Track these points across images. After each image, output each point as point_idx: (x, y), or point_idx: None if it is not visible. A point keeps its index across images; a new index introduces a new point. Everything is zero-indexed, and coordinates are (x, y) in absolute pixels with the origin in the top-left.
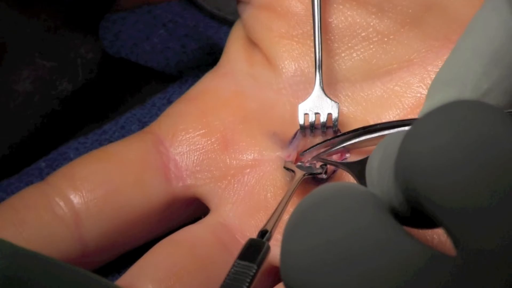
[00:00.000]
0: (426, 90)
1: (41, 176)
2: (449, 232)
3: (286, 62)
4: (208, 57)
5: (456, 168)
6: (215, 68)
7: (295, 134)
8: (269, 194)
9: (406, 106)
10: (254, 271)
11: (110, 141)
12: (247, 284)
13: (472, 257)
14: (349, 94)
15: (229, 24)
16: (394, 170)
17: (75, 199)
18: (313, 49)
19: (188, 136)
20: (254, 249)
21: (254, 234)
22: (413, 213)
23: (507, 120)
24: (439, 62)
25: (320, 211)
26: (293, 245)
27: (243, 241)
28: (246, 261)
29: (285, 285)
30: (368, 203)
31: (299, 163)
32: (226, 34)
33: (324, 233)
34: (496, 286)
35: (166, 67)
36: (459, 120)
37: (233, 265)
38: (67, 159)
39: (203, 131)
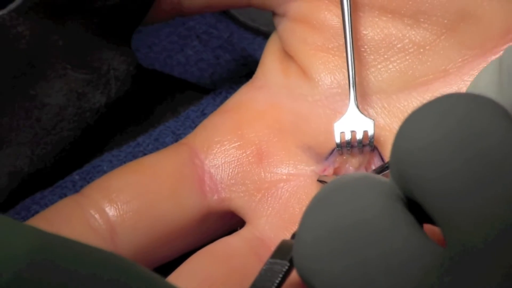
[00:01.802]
0: None
1: (75, 188)
2: (439, 226)
3: (322, 75)
4: (242, 69)
5: (444, 162)
6: (251, 81)
7: (332, 151)
8: (303, 208)
9: None
10: (286, 267)
11: (144, 153)
12: (279, 280)
13: (458, 252)
14: (385, 105)
15: (263, 35)
16: (390, 165)
17: (110, 211)
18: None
19: (223, 148)
20: (286, 249)
21: None
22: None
23: (499, 113)
24: (475, 71)
25: (331, 201)
26: (304, 234)
27: None
28: (277, 259)
29: (297, 272)
30: (381, 193)
31: (334, 176)
32: (260, 45)
33: (332, 222)
34: (479, 282)
35: (200, 78)
36: (450, 113)
37: (265, 264)
38: (101, 172)
39: (238, 143)
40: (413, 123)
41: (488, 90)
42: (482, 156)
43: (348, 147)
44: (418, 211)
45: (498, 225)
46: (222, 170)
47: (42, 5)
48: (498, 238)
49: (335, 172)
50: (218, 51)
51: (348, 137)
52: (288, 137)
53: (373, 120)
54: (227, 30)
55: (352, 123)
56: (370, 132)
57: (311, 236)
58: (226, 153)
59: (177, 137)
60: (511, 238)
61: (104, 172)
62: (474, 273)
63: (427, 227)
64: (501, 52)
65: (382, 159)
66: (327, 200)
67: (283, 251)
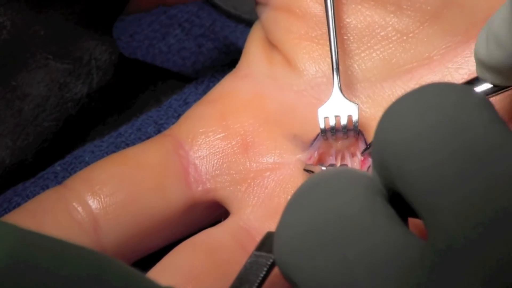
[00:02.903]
0: None
1: (57, 180)
2: (422, 219)
3: (306, 64)
4: (225, 57)
5: (428, 154)
6: (235, 70)
7: (316, 137)
8: (289, 197)
9: None
10: (271, 260)
11: (126, 143)
12: (264, 273)
13: (441, 247)
14: (370, 95)
15: (246, 23)
16: (372, 156)
17: (94, 203)
18: None
19: (208, 139)
20: (272, 241)
21: None
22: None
23: (483, 104)
24: (459, 58)
25: (311, 196)
26: (284, 230)
27: None
28: (263, 251)
29: (279, 269)
30: (362, 187)
31: (320, 165)
32: (243, 33)
33: (312, 218)
34: (463, 278)
35: (182, 67)
36: (433, 104)
37: (250, 256)
38: (83, 163)
39: (223, 134)
40: (395, 114)
41: (501, 27)
42: (466, 149)
43: (332, 132)
44: (401, 204)
45: (482, 219)
46: (207, 161)
47: None
48: (481, 233)
49: (320, 158)
50: (200, 39)
51: (332, 122)
52: (273, 126)
53: (357, 104)
54: (209, 18)
55: (336, 108)
56: (355, 117)
57: (291, 232)
58: (211, 144)
59: (159, 127)
60: (495, 232)
61: (86, 163)
62: (457, 268)
63: (412, 221)
64: None
65: (366, 144)
66: (307, 195)
67: (268, 243)
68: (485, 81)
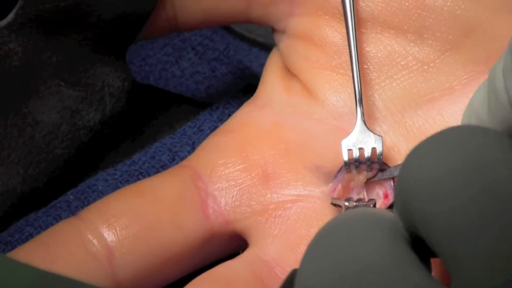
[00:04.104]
0: None
1: (70, 209)
2: (444, 263)
3: (327, 93)
4: (239, 81)
5: (450, 197)
6: (253, 99)
7: (340, 169)
8: (312, 229)
9: None
10: None
11: (140, 172)
12: None
13: None
14: (391, 124)
15: (260, 46)
16: (394, 198)
17: (109, 236)
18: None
19: (227, 171)
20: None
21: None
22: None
23: (506, 146)
24: None
25: (332, 242)
26: (306, 269)
27: (283, 276)
28: None
29: None
30: (383, 231)
31: (347, 198)
32: (257, 57)
33: (334, 265)
34: None
35: (195, 91)
36: (456, 147)
37: None
38: (96, 192)
39: (243, 165)
40: (418, 156)
41: (481, 109)
42: (489, 191)
43: (356, 164)
44: (424, 246)
45: (508, 267)
46: (226, 192)
47: (35, 21)
48: (507, 282)
49: (344, 191)
50: (214, 63)
51: (356, 154)
52: (294, 157)
53: (381, 136)
54: (223, 42)
55: (360, 140)
56: (379, 149)
57: (312, 279)
58: (230, 175)
59: (173, 155)
60: None
61: (100, 191)
62: None
63: (435, 261)
64: None
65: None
66: (329, 241)
67: (292, 281)
68: None
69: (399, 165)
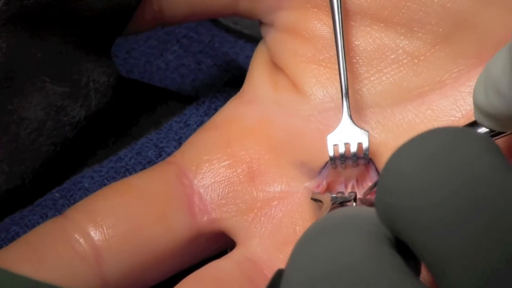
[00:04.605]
0: (460, 113)
1: (56, 207)
2: (427, 266)
3: (314, 88)
4: (225, 74)
5: (431, 206)
6: (239, 95)
7: (325, 165)
8: (297, 228)
9: None
10: None
11: (126, 168)
12: None
13: None
14: (380, 120)
15: (246, 38)
16: (375, 204)
17: (96, 235)
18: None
19: (212, 167)
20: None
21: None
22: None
23: (484, 146)
24: (472, 82)
25: (316, 245)
26: (292, 274)
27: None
28: None
29: None
30: (367, 236)
31: (327, 193)
32: (242, 49)
33: (317, 268)
34: None
35: (181, 85)
36: (435, 151)
37: None
38: (82, 189)
39: (228, 162)
40: (397, 162)
41: (501, 76)
42: (467, 189)
43: (342, 160)
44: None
45: (490, 263)
46: (212, 190)
47: (20, 17)
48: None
49: (329, 186)
50: (199, 56)
51: (341, 149)
52: (280, 153)
53: (368, 131)
54: (208, 34)
55: (346, 135)
56: (365, 144)
57: (299, 278)
58: (215, 172)
59: (160, 150)
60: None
61: (86, 189)
62: None
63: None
64: None
65: (377, 172)
66: (312, 244)
67: (278, 281)
68: (483, 126)
69: None
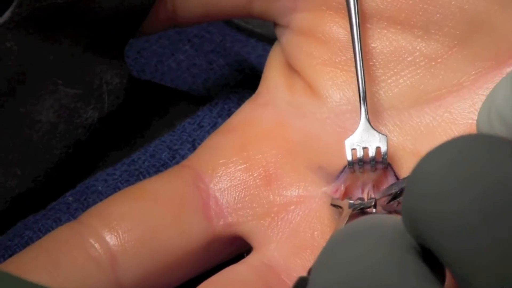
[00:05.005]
0: None
1: (69, 211)
2: (454, 276)
3: (330, 91)
4: (237, 74)
5: (457, 211)
6: (254, 97)
7: (343, 169)
8: (316, 233)
9: (457, 134)
10: None
11: (139, 171)
12: None
13: None
14: (397, 123)
15: (257, 37)
16: (401, 212)
17: (111, 240)
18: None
19: (228, 171)
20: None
21: (300, 274)
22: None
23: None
24: (490, 84)
25: (340, 255)
26: (317, 279)
27: (289, 282)
28: None
29: None
30: (391, 246)
31: (347, 199)
32: (254, 48)
33: (341, 280)
34: None
35: (192, 85)
36: (463, 158)
37: None
38: (95, 192)
39: (244, 165)
40: (424, 168)
41: (505, 105)
42: (493, 194)
43: (360, 164)
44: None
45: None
46: (228, 194)
47: (31, 19)
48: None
49: (347, 191)
50: (211, 55)
51: (360, 154)
52: (297, 157)
53: (386, 135)
54: (219, 33)
55: (364, 139)
56: (383, 149)
57: (324, 282)
58: (232, 176)
59: (173, 153)
60: None
61: (99, 192)
62: None
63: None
64: None
65: (396, 177)
66: (335, 254)
67: None
68: None
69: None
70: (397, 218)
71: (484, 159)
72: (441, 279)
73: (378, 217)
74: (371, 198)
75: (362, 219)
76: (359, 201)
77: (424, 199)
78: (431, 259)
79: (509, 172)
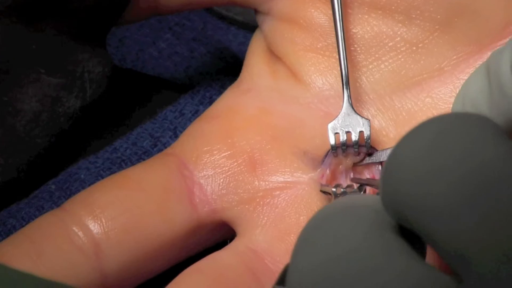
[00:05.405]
0: None
1: (52, 199)
2: (443, 255)
3: (313, 76)
4: (218, 62)
5: (440, 191)
6: (237, 84)
7: (326, 154)
8: (301, 217)
9: None
10: None
11: (122, 159)
12: None
13: (472, 281)
14: (379, 107)
15: (238, 24)
16: (380, 195)
17: (95, 228)
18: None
19: (212, 158)
20: None
21: (285, 259)
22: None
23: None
24: (471, 69)
25: (318, 237)
26: (294, 278)
27: (273, 267)
28: (281, 285)
29: None
30: (368, 222)
31: (336, 185)
32: (235, 36)
33: (322, 260)
34: None
35: (174, 73)
36: (440, 138)
37: None
38: (78, 180)
39: (229, 152)
40: (402, 148)
41: (479, 98)
42: (475, 173)
43: (343, 148)
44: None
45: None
46: (212, 180)
47: (14, 8)
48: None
49: (333, 176)
50: (192, 43)
51: (343, 138)
52: (281, 143)
53: (369, 120)
54: (201, 21)
55: (347, 123)
56: (366, 133)
57: (301, 275)
58: (216, 163)
59: (155, 140)
60: None
61: (82, 180)
62: None
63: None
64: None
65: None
66: (315, 236)
67: (284, 278)
68: None
69: (386, 149)
70: (375, 197)
71: (463, 137)
72: (423, 256)
73: (355, 197)
74: (360, 185)
75: (336, 201)
76: (348, 188)
77: (405, 181)
78: (410, 236)
79: (489, 149)
